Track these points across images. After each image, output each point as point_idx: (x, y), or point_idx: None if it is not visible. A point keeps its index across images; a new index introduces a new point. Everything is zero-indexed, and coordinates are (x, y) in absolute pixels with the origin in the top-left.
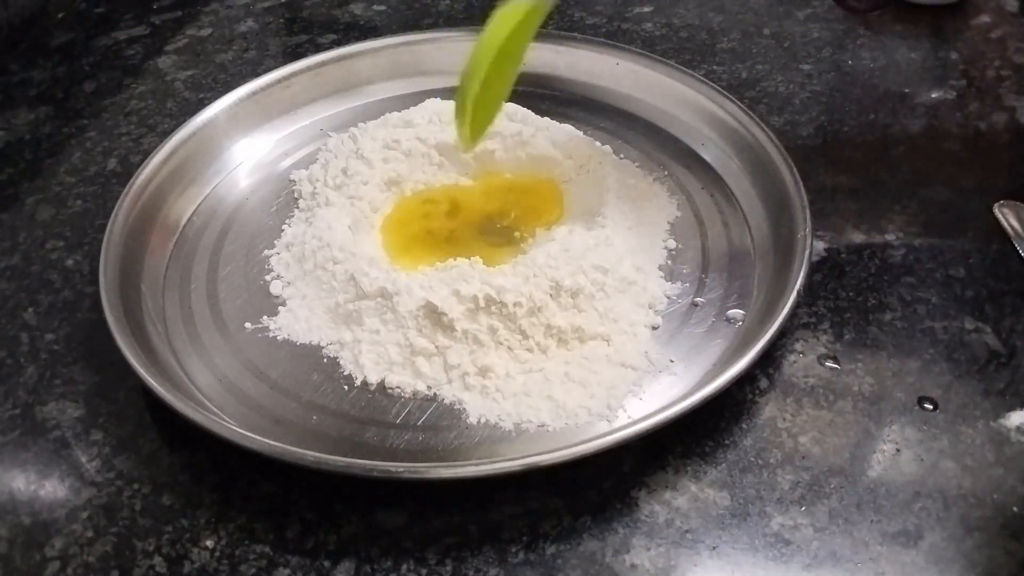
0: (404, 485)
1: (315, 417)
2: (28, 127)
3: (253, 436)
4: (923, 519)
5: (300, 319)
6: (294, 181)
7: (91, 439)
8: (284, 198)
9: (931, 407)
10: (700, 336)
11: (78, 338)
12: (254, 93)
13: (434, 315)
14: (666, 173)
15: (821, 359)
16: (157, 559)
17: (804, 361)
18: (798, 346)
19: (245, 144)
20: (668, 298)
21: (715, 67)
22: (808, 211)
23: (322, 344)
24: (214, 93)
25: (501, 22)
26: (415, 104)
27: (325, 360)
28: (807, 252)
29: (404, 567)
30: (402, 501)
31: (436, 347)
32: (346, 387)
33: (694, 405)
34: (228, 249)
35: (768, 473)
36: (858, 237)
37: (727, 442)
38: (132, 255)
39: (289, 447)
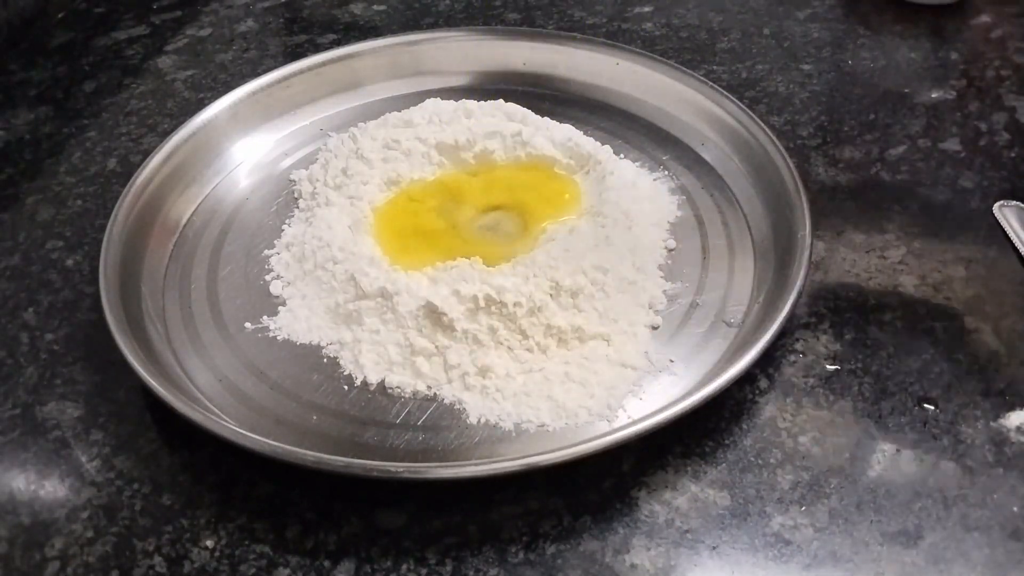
0: (404, 485)
1: (315, 417)
2: (28, 127)
3: (253, 436)
4: (923, 519)
5: (300, 319)
6: (294, 181)
7: (91, 439)
8: (284, 198)
9: (931, 407)
10: (700, 336)
11: (78, 338)
12: (254, 93)
13: (434, 315)
14: (666, 173)
15: (821, 359)
16: (157, 559)
17: (804, 361)
18: (798, 346)
19: (245, 144)
20: (668, 298)
21: (715, 67)
22: (808, 211)
23: (322, 344)
24: (214, 93)
25: None
26: (415, 104)
27: (325, 360)
28: (807, 252)
29: (404, 567)
30: (402, 501)
31: (436, 347)
32: (346, 387)
33: (694, 405)
34: (228, 249)
35: (768, 473)
36: (858, 237)
37: (727, 442)
38: (132, 255)
39: (289, 447)
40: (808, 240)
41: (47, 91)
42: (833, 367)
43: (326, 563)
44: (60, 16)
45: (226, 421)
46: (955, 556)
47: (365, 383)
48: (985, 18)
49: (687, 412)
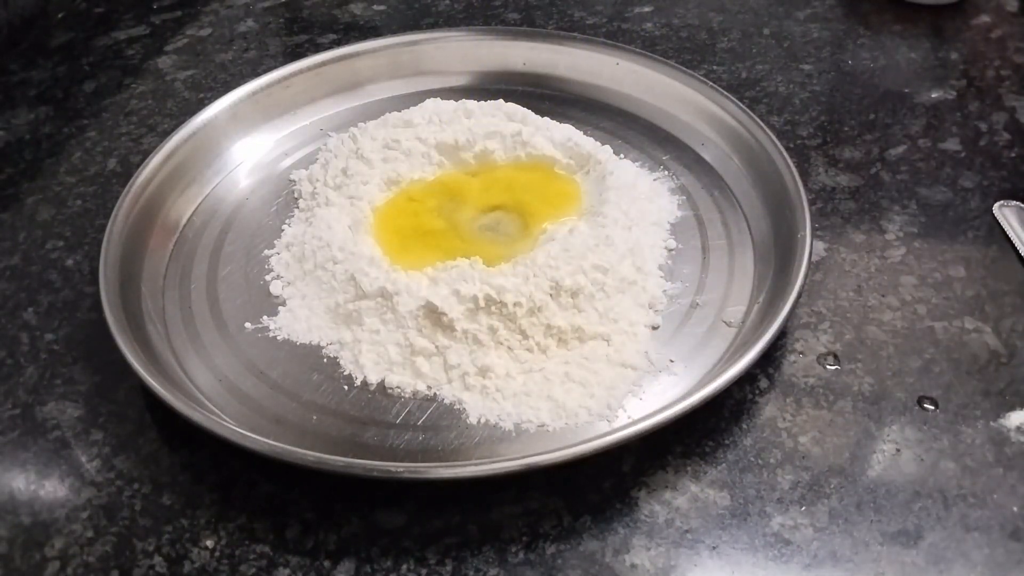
0: (404, 485)
1: (315, 417)
2: (28, 127)
3: (253, 436)
4: (923, 519)
5: (300, 319)
6: (294, 181)
7: (91, 439)
8: (284, 198)
9: (931, 407)
10: (700, 336)
11: (78, 338)
12: (254, 93)
13: (434, 315)
14: (666, 173)
15: (821, 359)
16: (157, 559)
17: (804, 361)
18: (798, 346)
19: (245, 144)
20: (668, 298)
21: (715, 67)
22: (808, 211)
23: (322, 344)
24: (214, 93)
25: None
26: (415, 104)
27: (325, 360)
28: (807, 252)
29: (404, 567)
30: (402, 501)
31: (436, 347)
32: (346, 387)
33: (694, 405)
34: (228, 249)
35: (768, 473)
36: (858, 237)
37: (727, 442)
38: (132, 255)
39: (289, 447)
40: (808, 240)
41: (47, 91)
42: (833, 367)
43: (326, 563)
44: (60, 16)
45: (226, 421)
46: (955, 556)
47: (365, 383)
48: (985, 18)
49: (687, 412)
